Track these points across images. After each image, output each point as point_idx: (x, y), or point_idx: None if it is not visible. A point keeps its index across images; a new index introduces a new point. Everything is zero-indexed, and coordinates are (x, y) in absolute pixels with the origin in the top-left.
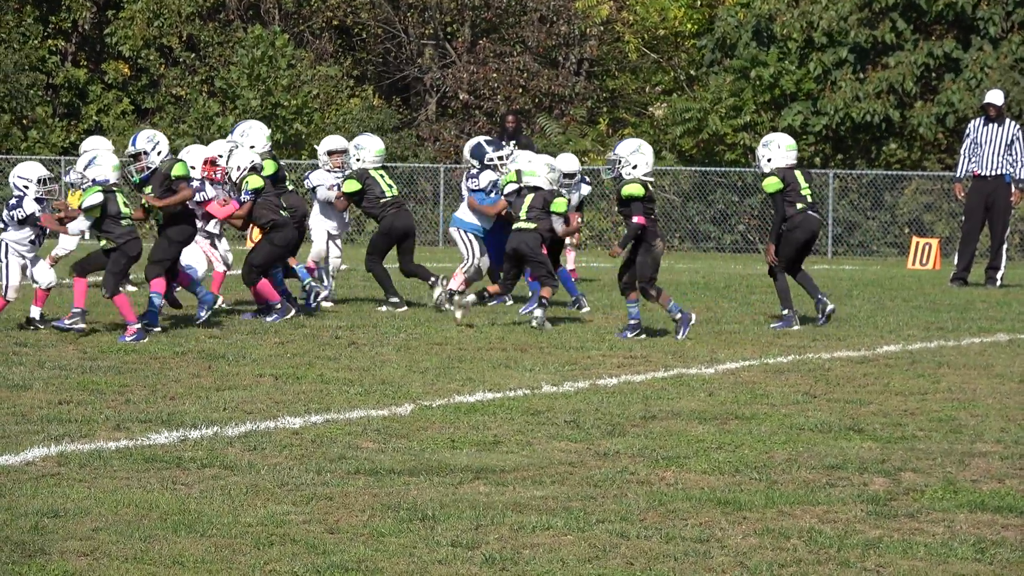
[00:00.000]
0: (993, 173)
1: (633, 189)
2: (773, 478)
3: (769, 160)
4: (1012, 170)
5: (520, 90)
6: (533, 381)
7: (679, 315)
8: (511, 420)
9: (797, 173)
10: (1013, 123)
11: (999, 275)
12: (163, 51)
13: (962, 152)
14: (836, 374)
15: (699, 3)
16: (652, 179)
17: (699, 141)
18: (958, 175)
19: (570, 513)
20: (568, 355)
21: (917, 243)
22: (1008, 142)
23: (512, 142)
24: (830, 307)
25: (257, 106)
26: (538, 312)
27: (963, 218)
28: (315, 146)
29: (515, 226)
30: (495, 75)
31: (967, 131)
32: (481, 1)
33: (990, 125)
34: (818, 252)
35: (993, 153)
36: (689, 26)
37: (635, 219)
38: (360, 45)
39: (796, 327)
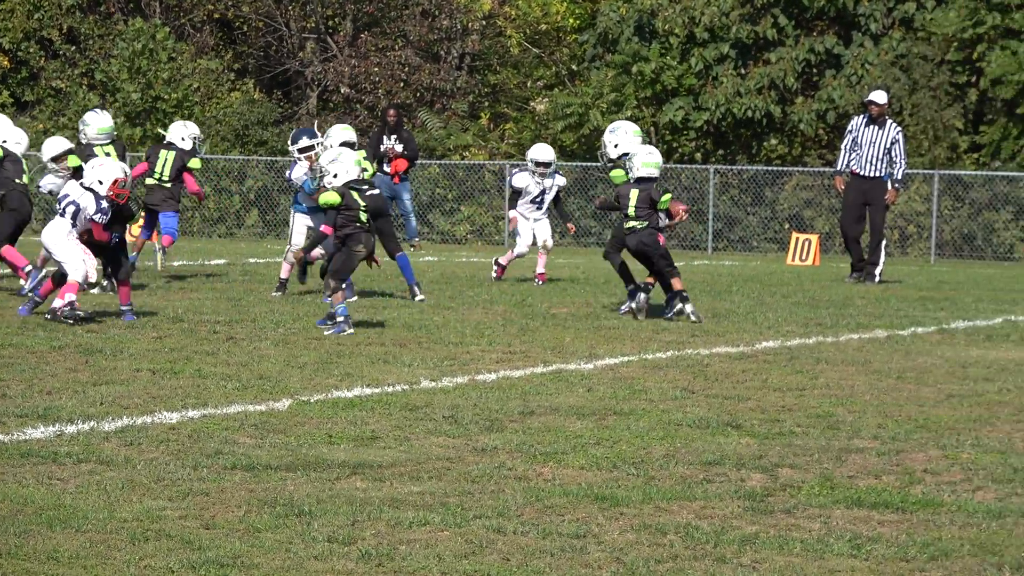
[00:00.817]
0: (873, 174)
1: None
2: (650, 474)
3: (616, 146)
4: (892, 170)
5: (401, 84)
6: (411, 377)
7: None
8: (389, 416)
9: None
10: (894, 125)
11: (878, 271)
12: (43, 44)
13: (843, 147)
14: (714, 370)
15: None
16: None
17: (581, 136)
18: (838, 168)
19: (447, 509)
20: (447, 350)
21: (797, 239)
22: (888, 145)
23: (393, 136)
24: (642, 298)
25: (138, 99)
26: (682, 305)
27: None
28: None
29: (627, 225)
30: (376, 69)
31: (849, 127)
32: None
33: (872, 126)
34: (698, 247)
35: (874, 155)
36: (571, 21)
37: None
38: (241, 39)
39: (644, 298)
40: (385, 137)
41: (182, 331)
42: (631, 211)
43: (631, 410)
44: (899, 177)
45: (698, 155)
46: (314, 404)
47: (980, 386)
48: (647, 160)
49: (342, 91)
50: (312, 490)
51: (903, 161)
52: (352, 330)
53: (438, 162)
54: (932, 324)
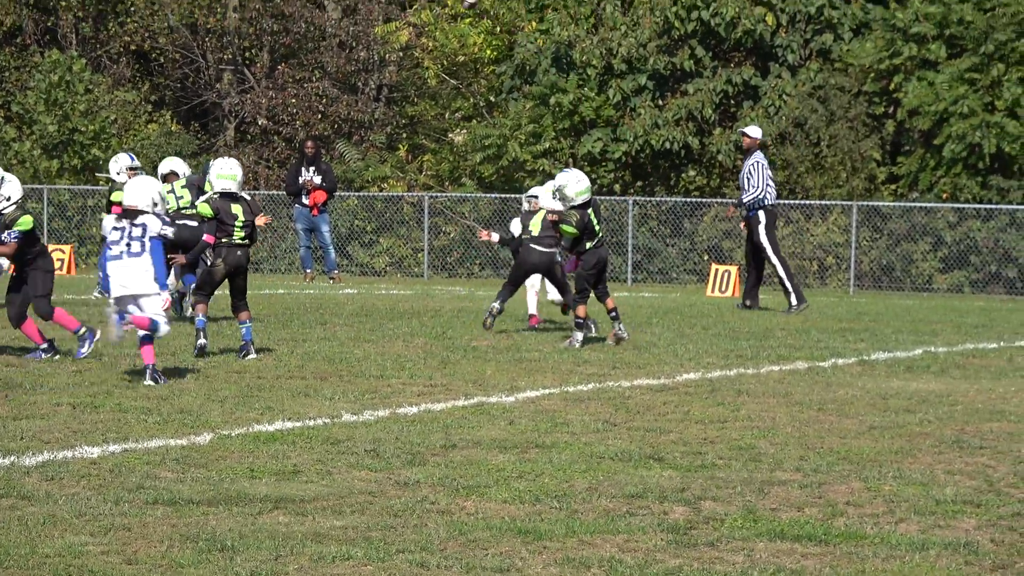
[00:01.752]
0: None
1: None
2: (574, 507)
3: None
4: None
5: (319, 116)
6: (333, 410)
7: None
8: (311, 449)
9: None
10: (756, 155)
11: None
12: None
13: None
14: (636, 402)
15: (498, 29)
16: None
17: (499, 168)
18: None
19: (370, 543)
20: (368, 384)
21: (716, 270)
22: (747, 174)
23: (312, 168)
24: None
25: (54, 131)
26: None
27: None
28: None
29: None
30: (294, 100)
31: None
32: (280, 26)
33: (744, 159)
34: (618, 279)
35: (744, 185)
36: (488, 52)
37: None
38: (158, 70)
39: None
40: (304, 169)
41: (102, 365)
42: (597, 229)
43: (553, 443)
44: (742, 200)
45: (617, 186)
46: (235, 438)
47: (901, 417)
48: (580, 188)
49: (260, 123)
50: (235, 524)
51: (752, 187)
52: (203, 340)
53: (357, 194)
54: (852, 355)
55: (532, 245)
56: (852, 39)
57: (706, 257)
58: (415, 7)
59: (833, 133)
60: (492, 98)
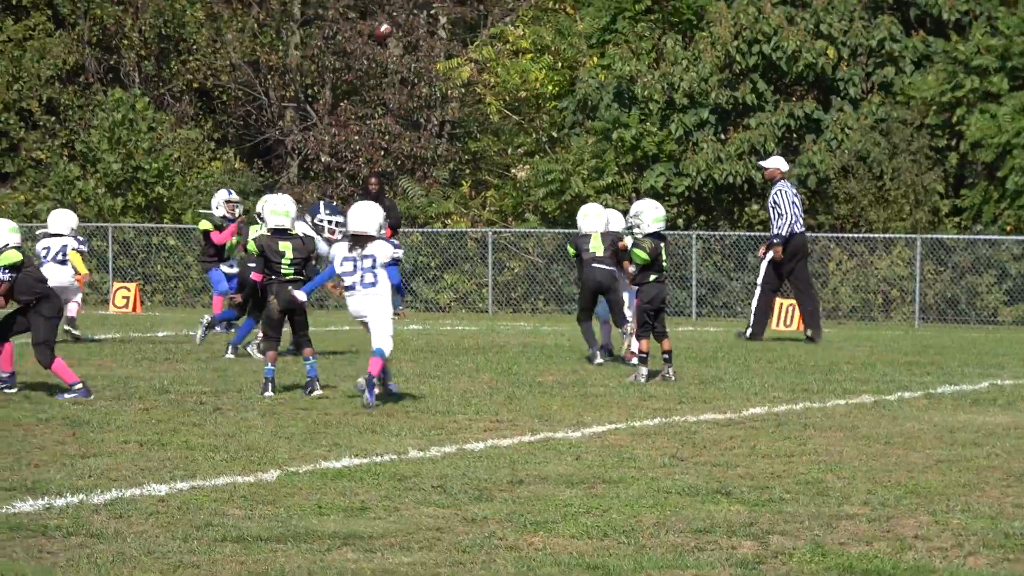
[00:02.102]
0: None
1: None
2: (641, 542)
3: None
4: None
5: (382, 152)
6: (400, 446)
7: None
8: (378, 486)
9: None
10: (779, 183)
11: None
12: (23, 115)
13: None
14: (703, 437)
15: (560, 65)
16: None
17: (562, 203)
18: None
19: None
20: (434, 419)
21: (781, 304)
22: (771, 203)
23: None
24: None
25: (118, 169)
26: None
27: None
28: (176, 209)
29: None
30: (357, 137)
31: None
32: (342, 64)
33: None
34: (682, 313)
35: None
36: (550, 88)
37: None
38: (221, 108)
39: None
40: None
41: (169, 402)
42: (665, 264)
43: (620, 478)
44: (774, 234)
45: (680, 221)
46: (303, 475)
47: (968, 451)
48: (657, 215)
49: (322, 159)
50: (303, 562)
51: (778, 217)
52: (271, 392)
53: (420, 230)
54: (919, 389)
55: (595, 265)
56: (914, 72)
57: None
58: (476, 43)
59: (896, 166)
60: (554, 133)
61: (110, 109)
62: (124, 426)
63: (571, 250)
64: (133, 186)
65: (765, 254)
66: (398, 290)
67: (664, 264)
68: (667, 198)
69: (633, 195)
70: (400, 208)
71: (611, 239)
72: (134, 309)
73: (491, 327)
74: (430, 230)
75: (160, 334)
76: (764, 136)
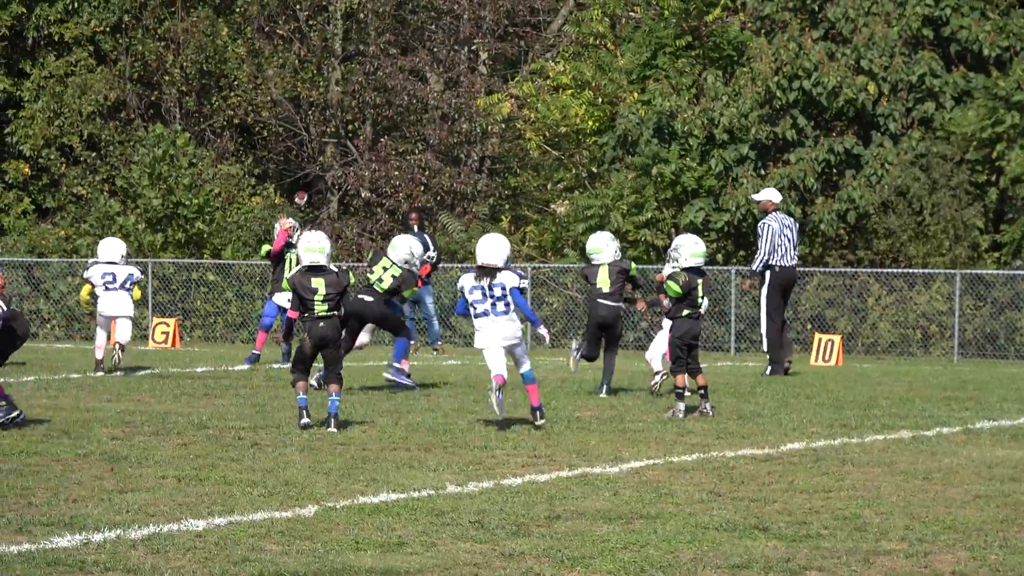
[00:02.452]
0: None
1: None
2: None
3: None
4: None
5: (422, 188)
6: (437, 481)
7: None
8: (415, 521)
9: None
10: (767, 216)
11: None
12: (64, 150)
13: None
14: (740, 472)
15: (600, 101)
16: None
17: None
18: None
19: None
20: (472, 455)
21: (819, 339)
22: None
23: None
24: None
25: (159, 205)
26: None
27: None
28: (216, 244)
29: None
30: (397, 173)
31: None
32: (382, 99)
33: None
34: (721, 348)
35: None
36: (590, 123)
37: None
38: (262, 143)
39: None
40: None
41: (207, 438)
42: (700, 300)
43: (658, 513)
44: (751, 268)
45: (719, 256)
46: (340, 510)
47: (1007, 486)
48: (695, 251)
49: (363, 195)
50: None
51: (759, 253)
52: (307, 420)
53: (460, 265)
54: (957, 424)
55: (600, 300)
56: (954, 107)
57: (809, 326)
58: (517, 79)
59: (936, 201)
60: (594, 169)
61: (151, 145)
62: (162, 461)
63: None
64: (173, 222)
65: (750, 288)
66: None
67: (700, 300)
68: (706, 233)
69: (672, 230)
70: (440, 243)
71: (618, 272)
72: (173, 344)
73: (533, 364)
74: (470, 265)
75: (199, 369)
76: (804, 171)
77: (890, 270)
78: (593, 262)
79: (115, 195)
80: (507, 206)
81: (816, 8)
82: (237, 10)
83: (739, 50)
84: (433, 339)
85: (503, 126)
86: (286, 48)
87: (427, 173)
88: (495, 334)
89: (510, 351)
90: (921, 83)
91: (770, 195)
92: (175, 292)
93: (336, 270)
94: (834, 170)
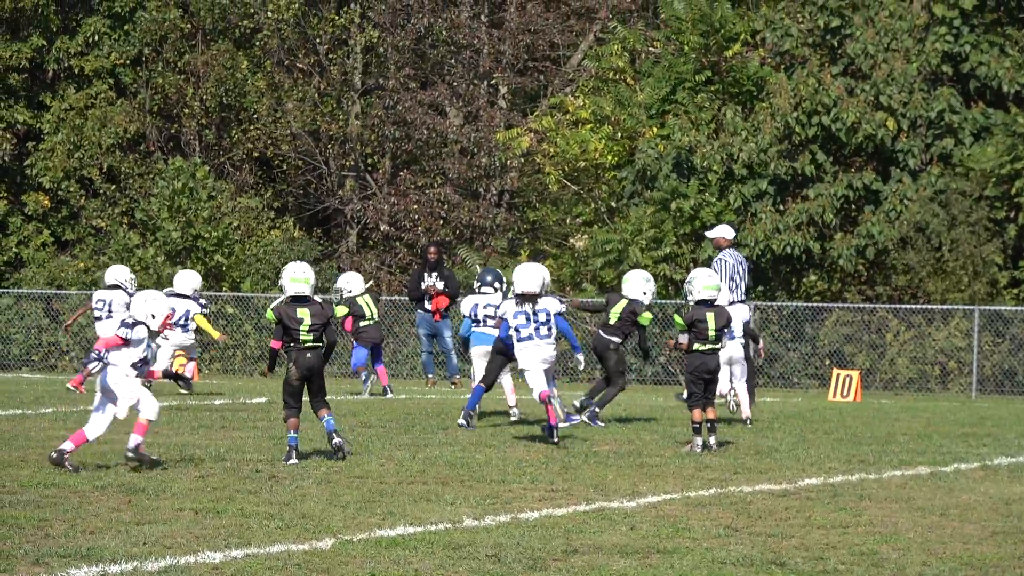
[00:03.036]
0: None
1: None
2: None
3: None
4: None
5: (441, 221)
6: (454, 515)
7: None
8: (432, 554)
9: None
10: (720, 253)
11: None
12: (83, 183)
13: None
14: (758, 507)
15: (619, 135)
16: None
17: (620, 272)
18: None
19: None
20: (489, 488)
21: (838, 375)
22: None
23: (434, 273)
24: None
25: (178, 238)
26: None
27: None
28: (235, 277)
29: (704, 348)
30: (416, 207)
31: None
32: (402, 133)
33: None
34: None
35: None
36: (609, 158)
37: None
38: (281, 176)
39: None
40: (426, 275)
41: (224, 470)
42: (711, 334)
43: (675, 548)
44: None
45: None
46: (357, 543)
47: None
48: (708, 283)
49: (382, 228)
50: None
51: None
52: (294, 460)
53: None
54: (975, 460)
55: (600, 329)
56: (973, 144)
57: (828, 362)
58: (536, 113)
59: (955, 237)
60: (613, 203)
61: (170, 177)
62: (179, 493)
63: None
64: (192, 254)
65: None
66: (571, 344)
67: (711, 334)
68: None
69: (691, 265)
70: (459, 277)
71: (630, 312)
72: (192, 377)
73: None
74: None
75: (217, 402)
76: (823, 207)
77: (909, 306)
78: (622, 292)
79: (134, 227)
80: (526, 240)
81: (835, 44)
82: (257, 43)
83: (758, 85)
84: (451, 373)
85: (522, 160)
86: (306, 82)
87: (446, 207)
88: (537, 356)
89: (547, 372)
90: (940, 119)
91: (723, 232)
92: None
93: (320, 301)
94: (853, 205)
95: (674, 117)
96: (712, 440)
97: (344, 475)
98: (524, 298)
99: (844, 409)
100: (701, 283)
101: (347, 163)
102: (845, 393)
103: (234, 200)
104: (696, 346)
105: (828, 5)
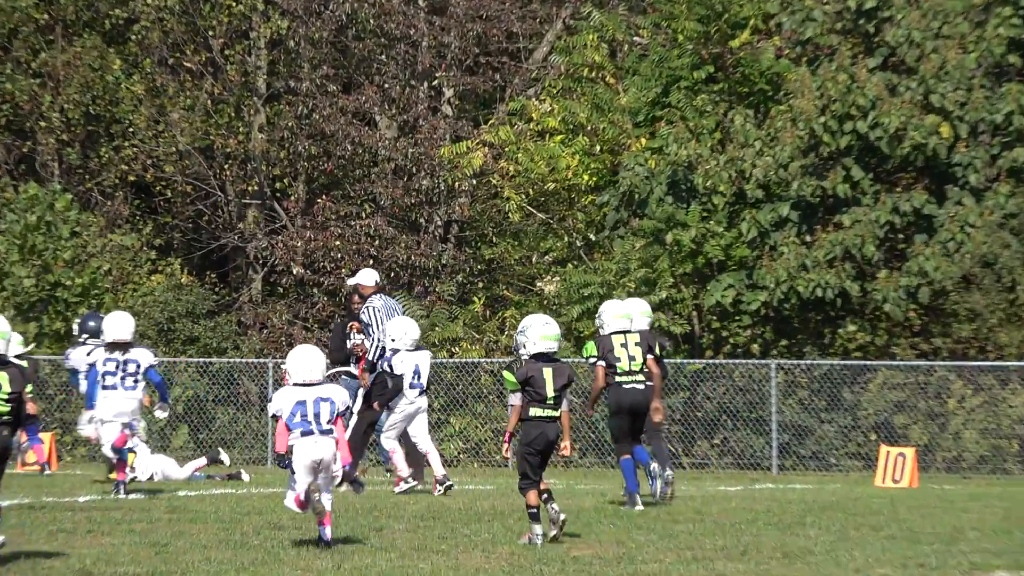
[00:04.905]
0: None
1: None
2: None
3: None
4: None
5: (371, 261)
6: None
7: None
8: None
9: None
10: (365, 303)
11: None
12: None
13: None
14: None
15: (599, 149)
16: None
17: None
18: None
19: None
20: None
21: (887, 453)
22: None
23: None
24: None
25: (31, 286)
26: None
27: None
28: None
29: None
30: (338, 243)
31: None
32: (319, 149)
33: None
34: (760, 466)
35: None
36: (586, 178)
37: None
38: (164, 207)
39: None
40: (351, 330)
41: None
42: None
43: None
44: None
45: (755, 346)
46: None
47: None
48: (546, 332)
49: (294, 271)
50: None
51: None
52: None
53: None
54: None
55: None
56: None
57: (874, 436)
58: (491, 122)
59: None
60: (592, 236)
61: (22, 209)
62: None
63: None
64: (51, 307)
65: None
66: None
67: (549, 397)
68: (738, 317)
69: (693, 313)
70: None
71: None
72: (49, 466)
73: (511, 486)
74: (433, 361)
75: (82, 499)
76: (861, 237)
77: (976, 363)
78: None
79: None
80: (480, 284)
81: (872, 30)
82: (133, 38)
83: (774, 83)
84: (386, 458)
85: (474, 182)
86: (196, 85)
87: (377, 243)
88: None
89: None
90: (1008, 123)
91: (367, 278)
92: (52, 399)
93: (23, 364)
94: (900, 235)
95: (668, 125)
96: (553, 507)
97: None
98: (115, 346)
99: (896, 497)
100: (538, 332)
101: (249, 188)
102: (897, 477)
103: (104, 237)
104: (532, 411)
105: None
